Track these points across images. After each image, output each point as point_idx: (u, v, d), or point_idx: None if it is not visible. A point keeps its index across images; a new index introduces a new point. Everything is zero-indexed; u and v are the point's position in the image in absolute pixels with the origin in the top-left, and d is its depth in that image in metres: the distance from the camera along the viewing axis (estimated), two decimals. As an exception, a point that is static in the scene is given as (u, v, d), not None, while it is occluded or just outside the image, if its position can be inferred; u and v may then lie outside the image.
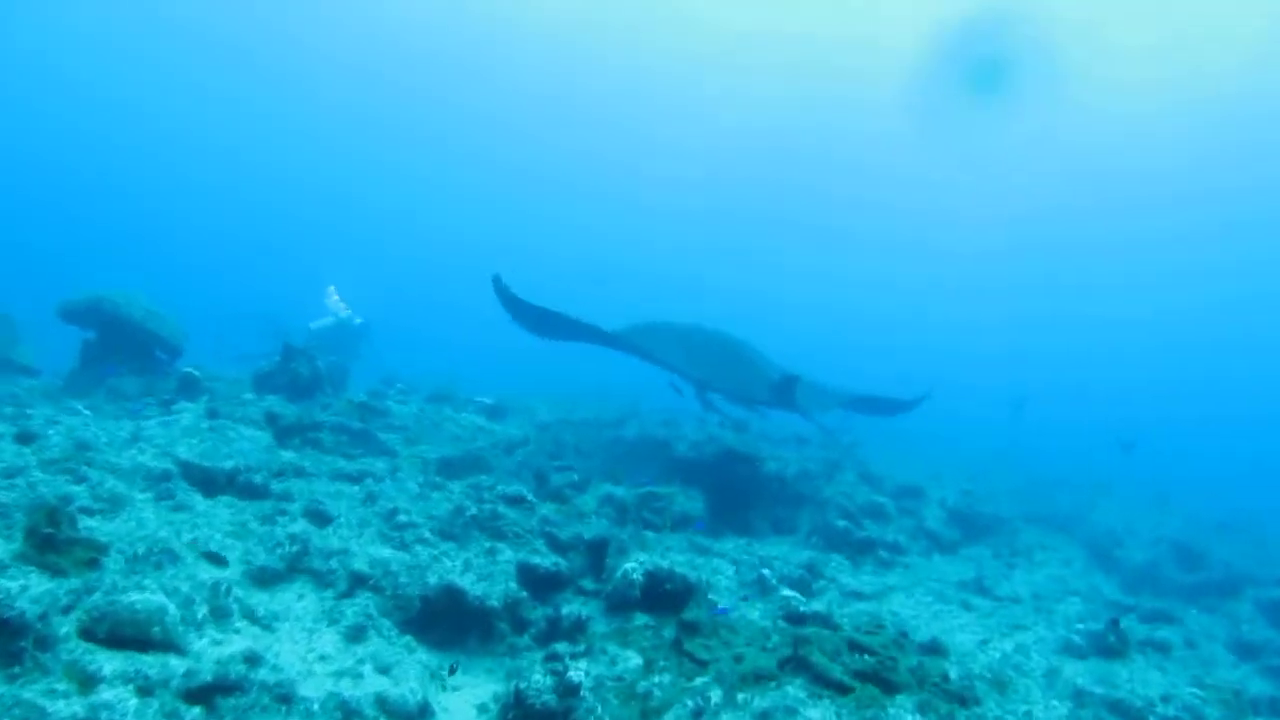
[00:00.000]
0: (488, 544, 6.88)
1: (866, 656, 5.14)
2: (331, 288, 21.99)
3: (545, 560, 6.80)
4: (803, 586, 8.00)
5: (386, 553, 6.61)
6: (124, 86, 67.28)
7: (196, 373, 10.53)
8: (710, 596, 6.98)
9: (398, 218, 69.98)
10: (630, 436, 12.54)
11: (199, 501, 7.20)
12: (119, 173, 69.21)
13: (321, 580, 6.33)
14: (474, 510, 7.08)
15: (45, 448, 7.68)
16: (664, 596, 6.24)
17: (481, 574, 6.45)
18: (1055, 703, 6.19)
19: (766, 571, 7.81)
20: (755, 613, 7.03)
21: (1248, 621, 10.80)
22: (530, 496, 7.79)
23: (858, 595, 8.44)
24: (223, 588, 5.36)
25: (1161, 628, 9.40)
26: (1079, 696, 6.54)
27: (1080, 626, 8.20)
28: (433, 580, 6.00)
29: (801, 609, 6.55)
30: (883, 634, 6.19)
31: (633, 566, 6.30)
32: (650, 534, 8.77)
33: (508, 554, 6.78)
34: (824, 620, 6.46)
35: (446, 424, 11.57)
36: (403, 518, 7.02)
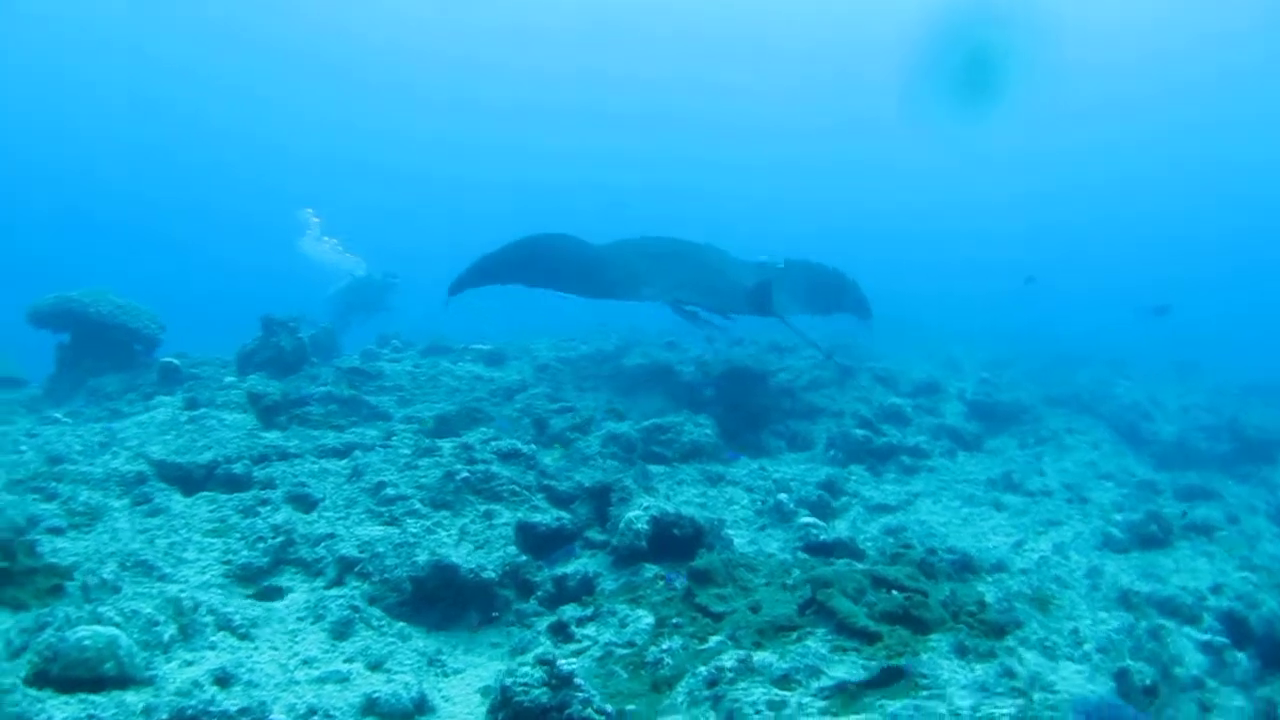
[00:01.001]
0: (483, 507, 6.35)
1: (894, 593, 4.58)
2: (309, 210, 21.39)
3: (546, 517, 6.26)
4: (823, 508, 7.45)
5: (376, 531, 6.09)
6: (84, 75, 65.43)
7: (177, 361, 9.98)
8: (725, 532, 6.46)
9: (368, 169, 68.74)
10: (631, 366, 11.96)
11: (177, 502, 6.69)
12: (93, 166, 67.88)
13: (310, 570, 5.83)
14: (465, 473, 6.53)
15: (16, 465, 7.18)
16: (673, 542, 5.70)
17: (478, 542, 5.93)
18: (1103, 614, 5.64)
19: (784, 496, 7.26)
20: (774, 543, 6.51)
21: (1288, 487, 10.31)
22: (524, 449, 7.23)
23: (883, 508, 7.90)
24: (188, 603, 4.83)
25: (1200, 504, 8.86)
26: (1126, 599, 5.99)
27: (1119, 518, 7.67)
28: (421, 558, 5.46)
29: (822, 537, 6.01)
30: (909, 556, 5.66)
31: (636, 515, 5.75)
32: (660, 468, 8.23)
33: (505, 516, 6.25)
34: (846, 547, 5.93)
35: (443, 377, 11.00)
36: (390, 490, 6.48)
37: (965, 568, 6.00)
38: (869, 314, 12.70)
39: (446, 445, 7.49)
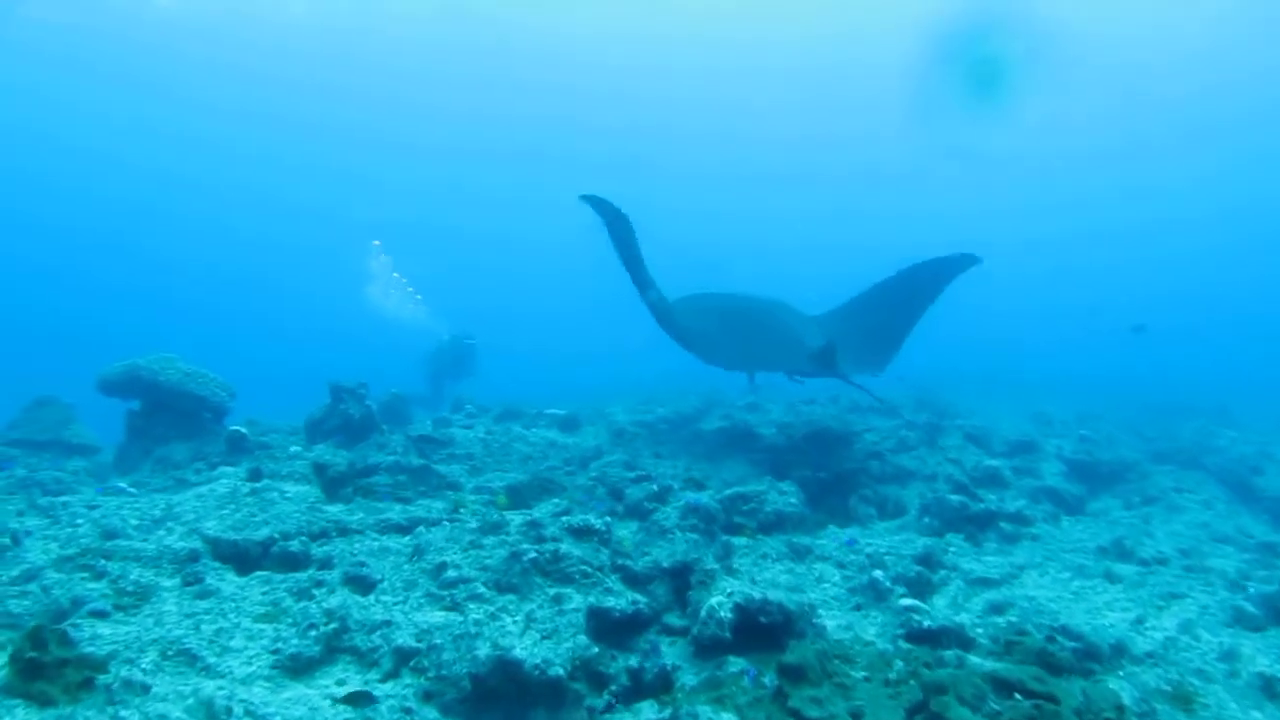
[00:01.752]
0: (552, 590, 5.72)
1: (1019, 698, 3.86)
2: (377, 242, 21.32)
3: (620, 601, 5.62)
4: (921, 585, 6.70)
5: (437, 617, 5.50)
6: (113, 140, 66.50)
7: (244, 429, 9.61)
8: (817, 616, 5.77)
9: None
10: (711, 429, 11.31)
11: (229, 582, 6.19)
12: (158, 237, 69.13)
13: (364, 660, 5.25)
14: (533, 553, 5.92)
15: (72, 540, 6.77)
16: (760, 631, 5.04)
17: (545, 630, 5.30)
18: (1255, 713, 4.82)
19: (879, 574, 6.51)
20: (872, 628, 5.77)
21: None
22: (597, 523, 6.61)
23: (985, 582, 7.10)
24: (222, 703, 4.28)
25: (1331, 567, 7.95)
26: (1270, 689, 5.16)
27: (1252, 590, 6.78)
28: (482, 651, 4.86)
29: (925, 624, 5.28)
30: (1026, 644, 4.93)
31: (719, 601, 5.11)
32: (742, 540, 7.57)
33: (575, 599, 5.62)
34: (954, 635, 5.19)
35: (516, 444, 10.48)
36: (452, 573, 5.88)
37: (1089, 656, 5.24)
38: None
39: (515, 519, 6.91)
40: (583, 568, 5.88)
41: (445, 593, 5.75)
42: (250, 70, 62.63)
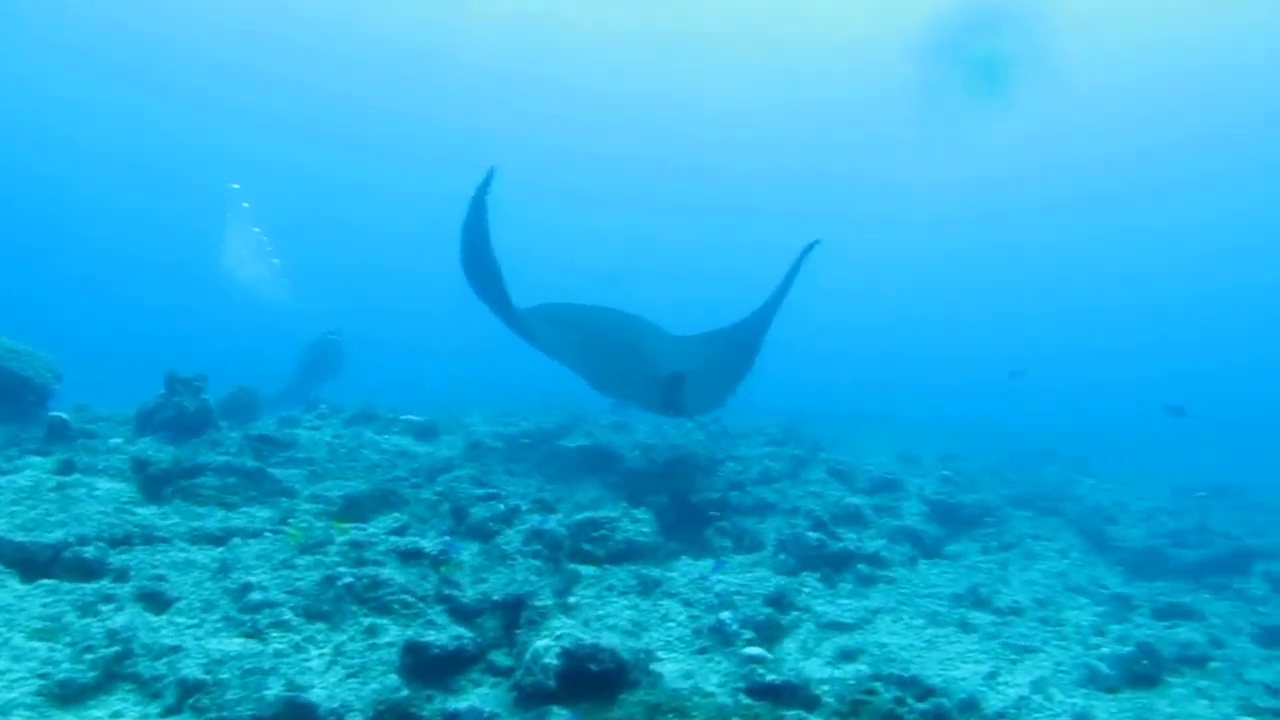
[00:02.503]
0: (367, 621, 5.11)
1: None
2: (235, 185, 20.30)
3: (442, 635, 5.03)
4: (771, 629, 6.25)
5: (233, 645, 4.83)
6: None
7: (66, 416, 8.68)
8: (656, 662, 5.28)
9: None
10: (571, 447, 10.77)
11: (9, 590, 5.40)
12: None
13: (146, 690, 4.56)
14: (349, 577, 5.30)
15: None
16: (591, 680, 4.52)
17: (352, 667, 4.69)
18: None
19: (726, 615, 6.04)
20: (714, 676, 5.29)
21: (1264, 602, 9.29)
22: (428, 546, 6.02)
23: (837, 626, 6.71)
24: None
25: (1180, 624, 7.80)
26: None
27: (1105, 650, 6.54)
28: (272, 691, 4.23)
29: (768, 678, 4.81)
30: (875, 705, 4.52)
31: (545, 645, 4.56)
32: (591, 569, 7.05)
33: (392, 632, 5.02)
34: (797, 692, 4.74)
35: (365, 450, 9.77)
36: (257, 595, 5.20)
37: (939, 718, 4.85)
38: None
39: (340, 537, 6.26)
40: (404, 597, 5.28)
41: (247, 617, 5.08)
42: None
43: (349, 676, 4.58)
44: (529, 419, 12.81)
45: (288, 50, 64.35)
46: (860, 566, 7.97)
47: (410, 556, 5.89)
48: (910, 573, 8.28)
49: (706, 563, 8.02)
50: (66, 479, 7.08)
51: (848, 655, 6.17)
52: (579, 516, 7.65)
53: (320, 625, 5.08)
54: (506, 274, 8.97)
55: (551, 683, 4.39)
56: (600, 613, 6.22)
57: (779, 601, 6.86)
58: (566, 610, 5.61)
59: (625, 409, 12.99)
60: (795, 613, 6.86)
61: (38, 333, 10.52)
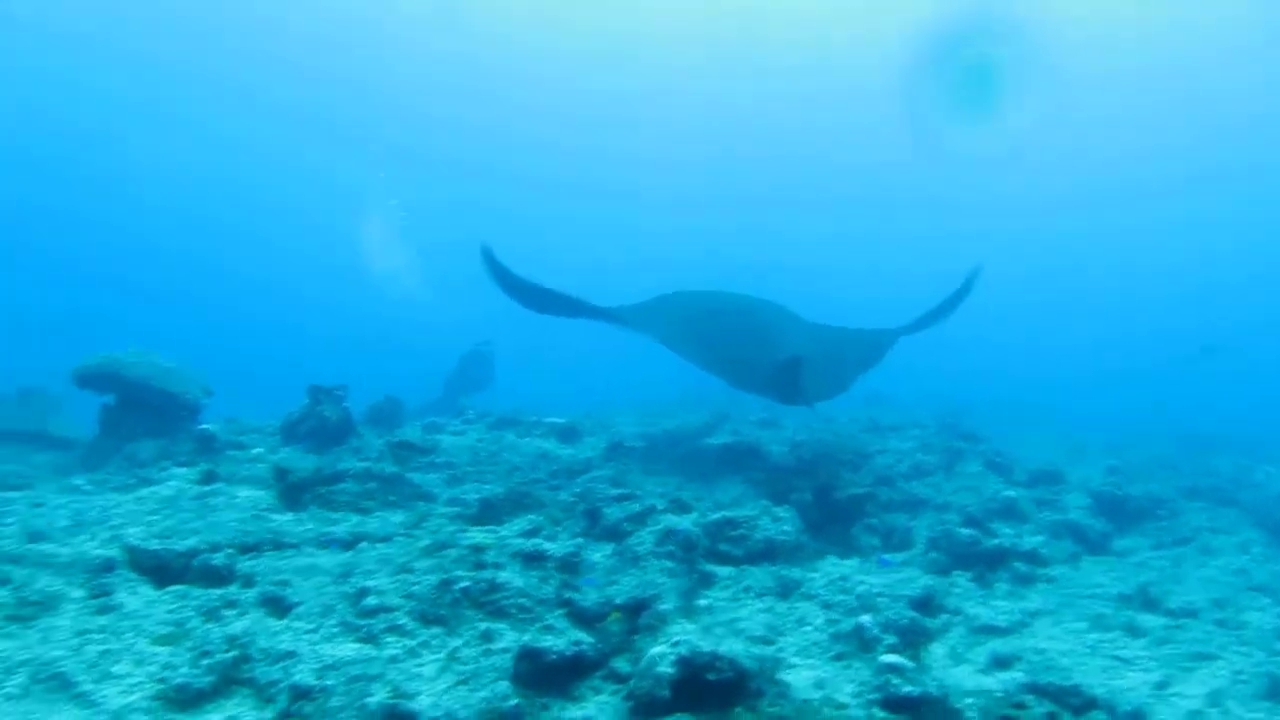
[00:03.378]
0: (483, 625, 4.84)
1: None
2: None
3: (559, 641, 4.71)
4: (915, 634, 5.69)
5: (348, 650, 4.65)
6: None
7: (213, 429, 8.84)
8: (785, 668, 4.84)
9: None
10: (715, 445, 10.35)
11: (140, 596, 5.39)
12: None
13: (261, 696, 4.42)
14: (466, 581, 5.04)
15: (-6, 541, 6.02)
16: (709, 690, 4.11)
17: (464, 673, 4.42)
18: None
19: (866, 619, 5.53)
20: (849, 686, 4.80)
21: None
22: (551, 549, 5.73)
23: (991, 630, 6.10)
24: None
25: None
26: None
27: (1292, 653, 5.71)
28: (375, 699, 3.99)
29: (905, 689, 4.29)
30: (1026, 717, 3.97)
31: (661, 652, 4.18)
32: (728, 570, 6.64)
33: (508, 637, 4.74)
34: (937, 706, 4.21)
35: (506, 453, 9.61)
36: (373, 599, 5.01)
37: (1104, 738, 4.25)
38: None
39: (464, 540, 6.04)
40: (520, 600, 5.00)
41: (363, 622, 4.89)
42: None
43: (459, 684, 4.31)
44: (675, 418, 12.48)
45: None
46: (1017, 565, 7.28)
47: (532, 559, 5.61)
48: (1072, 571, 7.52)
49: (852, 562, 7.51)
50: (208, 488, 7.13)
51: (1001, 662, 5.57)
52: (715, 516, 7.22)
53: (436, 630, 4.84)
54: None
55: (665, 692, 4.01)
56: (733, 616, 5.81)
57: (926, 604, 6.29)
58: (692, 614, 5.23)
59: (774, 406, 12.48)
60: (945, 615, 6.28)
61: (196, 347, 10.80)
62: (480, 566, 5.33)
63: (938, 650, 5.82)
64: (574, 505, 7.77)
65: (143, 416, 9.25)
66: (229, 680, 4.51)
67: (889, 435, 12.44)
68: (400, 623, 4.84)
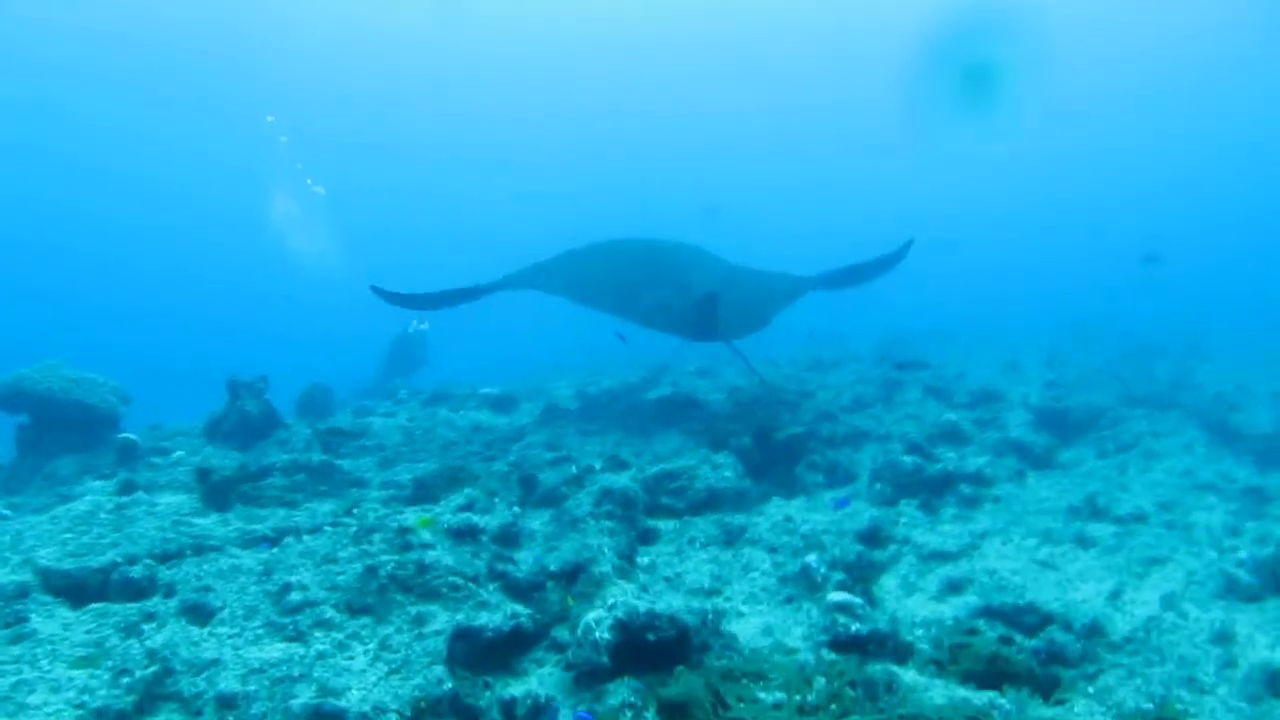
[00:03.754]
0: (415, 609, 4.61)
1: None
2: (283, 138, 19.61)
3: (495, 617, 4.51)
4: (865, 568, 5.55)
5: (275, 651, 4.39)
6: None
7: (134, 437, 8.45)
8: (736, 615, 4.68)
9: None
10: (651, 399, 10.15)
11: (57, 620, 5.08)
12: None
13: (188, 709, 4.15)
14: (392, 565, 4.79)
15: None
16: (651, 651, 3.92)
17: (395, 662, 4.19)
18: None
19: (812, 559, 5.38)
20: (799, 629, 4.65)
21: None
22: (480, 522, 5.50)
23: (941, 556, 5.99)
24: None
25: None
26: (1277, 685, 4.07)
27: (1243, 554, 5.62)
28: (300, 700, 3.75)
29: (854, 628, 4.13)
30: (977, 648, 3.84)
31: (598, 617, 3.97)
32: (672, 523, 6.47)
33: (441, 619, 4.51)
34: (886, 640, 4.06)
35: (440, 429, 9.34)
36: (296, 595, 4.75)
37: (1054, 657, 4.13)
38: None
39: (396, 523, 5.78)
40: (452, 579, 4.76)
41: (288, 620, 4.63)
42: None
43: (390, 674, 4.08)
44: (614, 377, 12.25)
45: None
46: (963, 487, 7.20)
47: (462, 535, 5.37)
48: (1018, 489, 7.45)
49: (798, 502, 7.39)
50: (125, 499, 6.77)
51: (954, 587, 5.47)
52: (654, 470, 7.05)
53: (365, 620, 4.59)
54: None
55: (604, 659, 3.81)
56: (679, 570, 5.66)
57: (873, 537, 6.18)
58: (629, 574, 5.04)
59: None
60: (894, 546, 6.17)
61: (106, 357, 10.34)
62: (408, 548, 5.08)
63: (889, 582, 5.70)
64: (509, 475, 7.54)
65: (61, 433, 8.81)
66: (154, 697, 4.23)
67: (830, 370, 12.36)
68: (327, 616, 4.58)
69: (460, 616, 4.49)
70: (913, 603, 5.32)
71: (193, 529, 6.18)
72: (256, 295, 57.44)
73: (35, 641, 4.81)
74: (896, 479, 7.36)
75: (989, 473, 7.49)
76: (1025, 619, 4.95)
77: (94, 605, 5.18)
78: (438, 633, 4.37)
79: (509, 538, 6.02)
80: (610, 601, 4.04)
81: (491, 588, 4.82)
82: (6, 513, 7.52)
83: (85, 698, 4.17)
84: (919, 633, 4.29)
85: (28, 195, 62.07)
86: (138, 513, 6.46)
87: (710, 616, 4.26)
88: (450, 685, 3.95)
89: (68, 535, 5.98)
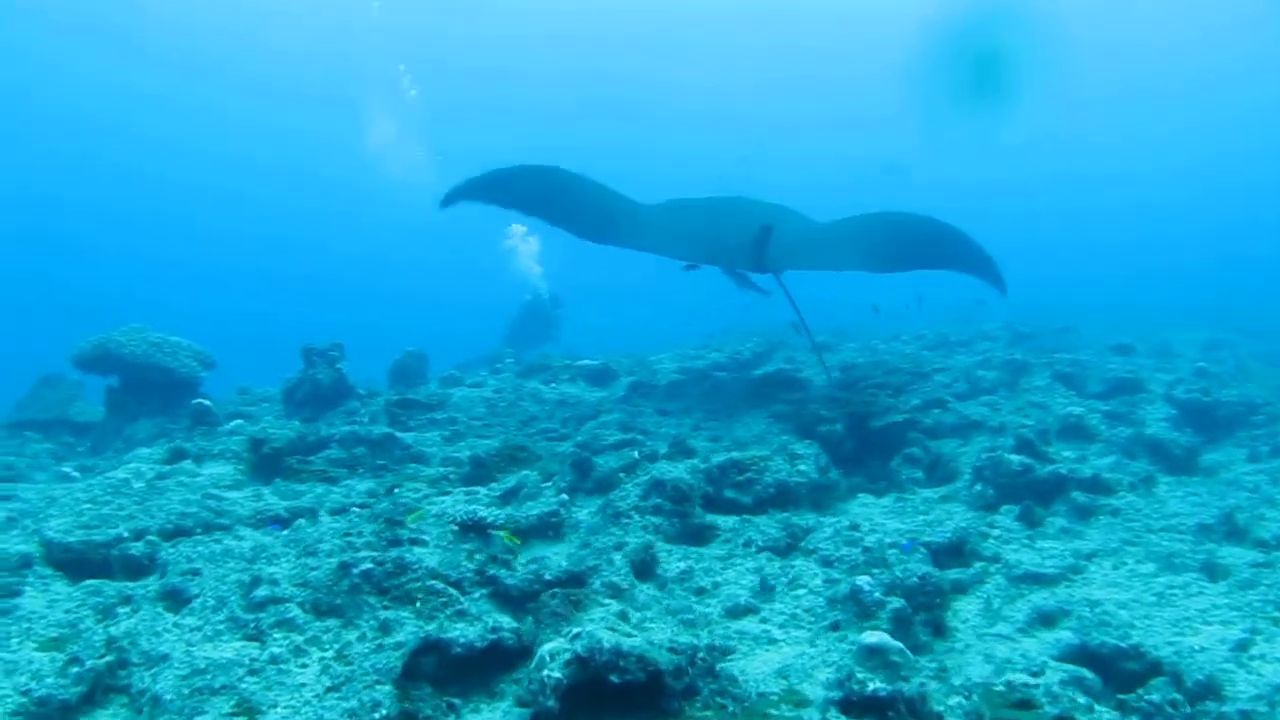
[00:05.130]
0: (384, 614, 3.98)
1: None
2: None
3: (471, 629, 3.83)
4: (929, 595, 4.55)
5: (226, 651, 3.84)
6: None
7: (208, 402, 8.19)
8: (722, 668, 3.86)
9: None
10: (756, 377, 9.26)
11: (49, 595, 4.73)
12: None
13: (133, 707, 3.69)
14: (368, 563, 4.18)
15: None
16: (612, 696, 3.16)
17: (340, 678, 3.56)
18: None
19: (864, 581, 4.44)
20: (825, 672, 3.77)
21: None
22: (486, 515, 4.82)
23: (1034, 579, 4.96)
24: None
25: None
26: None
27: None
28: (207, 718, 3.18)
29: (870, 688, 3.19)
30: None
31: (554, 648, 3.23)
32: (732, 520, 5.64)
33: (409, 628, 3.86)
34: (906, 708, 3.12)
35: (524, 403, 8.77)
36: (264, 590, 4.19)
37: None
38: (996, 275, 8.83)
39: (429, 509, 5.20)
40: (432, 583, 4.10)
41: (251, 616, 4.07)
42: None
43: (329, 690, 3.47)
44: (723, 350, 11.43)
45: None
46: (1076, 495, 6.06)
47: (469, 528, 4.72)
48: (1143, 498, 6.21)
49: (886, 501, 6.46)
50: (167, 469, 6.44)
51: (1045, 619, 4.47)
52: (720, 458, 6.22)
53: (331, 622, 4.00)
54: None
55: (551, 703, 3.06)
56: (718, 579, 4.85)
57: (956, 551, 5.21)
58: (632, 590, 4.28)
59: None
60: (980, 563, 5.18)
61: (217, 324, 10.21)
62: (395, 543, 4.46)
63: (968, 607, 4.75)
64: (575, 455, 6.87)
65: (144, 395, 8.70)
66: (106, 689, 3.79)
67: (956, 350, 11.21)
68: (291, 616, 4.01)
69: (432, 627, 3.84)
70: (992, 636, 4.38)
71: (219, 504, 5.77)
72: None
73: (14, 619, 4.46)
74: (998, 480, 6.30)
75: (1109, 478, 6.32)
76: (1126, 665, 3.97)
77: (89, 582, 4.81)
78: (399, 645, 3.72)
79: (549, 528, 5.37)
80: (574, 630, 3.28)
81: (477, 595, 4.14)
82: (74, 474, 7.37)
83: (33, 684, 3.74)
84: (954, 701, 3.34)
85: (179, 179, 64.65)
86: (169, 484, 6.12)
87: (702, 654, 3.44)
88: (389, 711, 3.29)
89: (87, 505, 5.65)
